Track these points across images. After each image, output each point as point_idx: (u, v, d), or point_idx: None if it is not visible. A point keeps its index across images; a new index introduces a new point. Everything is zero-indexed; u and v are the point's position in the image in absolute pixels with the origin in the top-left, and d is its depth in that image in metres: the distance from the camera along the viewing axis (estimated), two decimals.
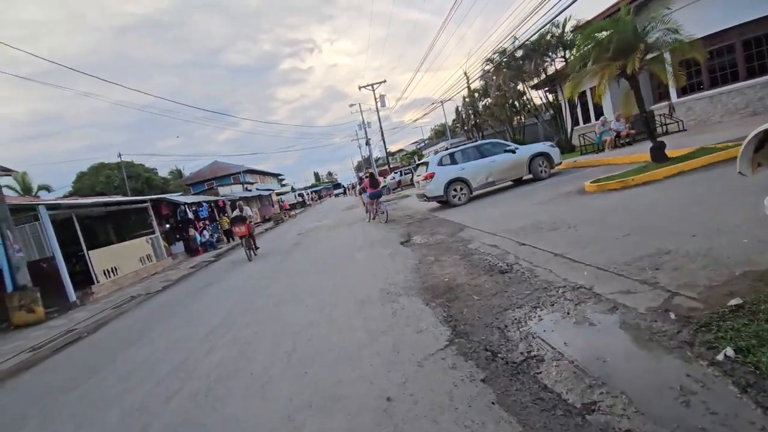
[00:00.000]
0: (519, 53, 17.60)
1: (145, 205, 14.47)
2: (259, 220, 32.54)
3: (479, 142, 11.89)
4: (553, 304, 3.17)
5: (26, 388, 4.78)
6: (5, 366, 5.52)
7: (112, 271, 11.43)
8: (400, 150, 58.97)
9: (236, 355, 3.86)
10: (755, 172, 2.34)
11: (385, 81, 34.22)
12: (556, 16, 13.87)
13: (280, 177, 63.47)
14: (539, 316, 3.06)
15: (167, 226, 16.62)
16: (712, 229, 3.65)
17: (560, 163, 11.52)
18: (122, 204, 13.61)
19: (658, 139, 7.89)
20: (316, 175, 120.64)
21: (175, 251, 16.21)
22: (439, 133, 54.87)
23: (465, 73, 25.42)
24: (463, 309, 3.56)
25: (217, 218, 20.53)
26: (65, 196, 28.10)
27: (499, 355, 2.62)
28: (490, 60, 19.69)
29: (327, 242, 10.49)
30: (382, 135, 34.27)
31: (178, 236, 16.95)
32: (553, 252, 4.38)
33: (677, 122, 12.19)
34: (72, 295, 9.73)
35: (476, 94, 24.41)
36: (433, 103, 39.09)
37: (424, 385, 2.45)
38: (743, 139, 2.28)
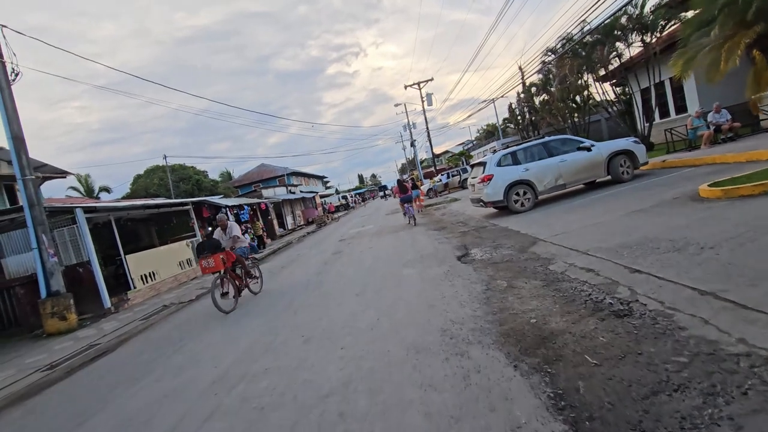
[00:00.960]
0: (588, 39, 15.50)
1: (186, 207, 14.21)
2: (302, 222, 32.37)
3: (546, 138, 10.21)
4: (744, 392, 1.77)
5: None
6: (4, 393, 4.88)
7: (150, 276, 11.06)
8: (446, 152, 57.02)
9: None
10: None
11: (432, 79, 32.96)
12: None
13: (324, 179, 63.91)
14: (727, 414, 1.69)
15: (209, 228, 16.37)
16: None
17: (646, 163, 9.63)
18: (162, 207, 13.35)
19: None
20: (360, 177, 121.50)
21: None
22: (489, 134, 52.41)
23: (520, 68, 23.52)
24: (578, 383, 2.26)
25: (259, 221, 20.20)
26: (123, 198, 29.48)
27: None
28: (552, 50, 17.73)
29: (369, 253, 9.35)
30: (428, 134, 32.86)
31: None
32: (696, 288, 2.95)
33: None
34: (107, 301, 9.36)
35: (533, 88, 22.33)
36: (483, 101, 37.10)
37: None
38: None
